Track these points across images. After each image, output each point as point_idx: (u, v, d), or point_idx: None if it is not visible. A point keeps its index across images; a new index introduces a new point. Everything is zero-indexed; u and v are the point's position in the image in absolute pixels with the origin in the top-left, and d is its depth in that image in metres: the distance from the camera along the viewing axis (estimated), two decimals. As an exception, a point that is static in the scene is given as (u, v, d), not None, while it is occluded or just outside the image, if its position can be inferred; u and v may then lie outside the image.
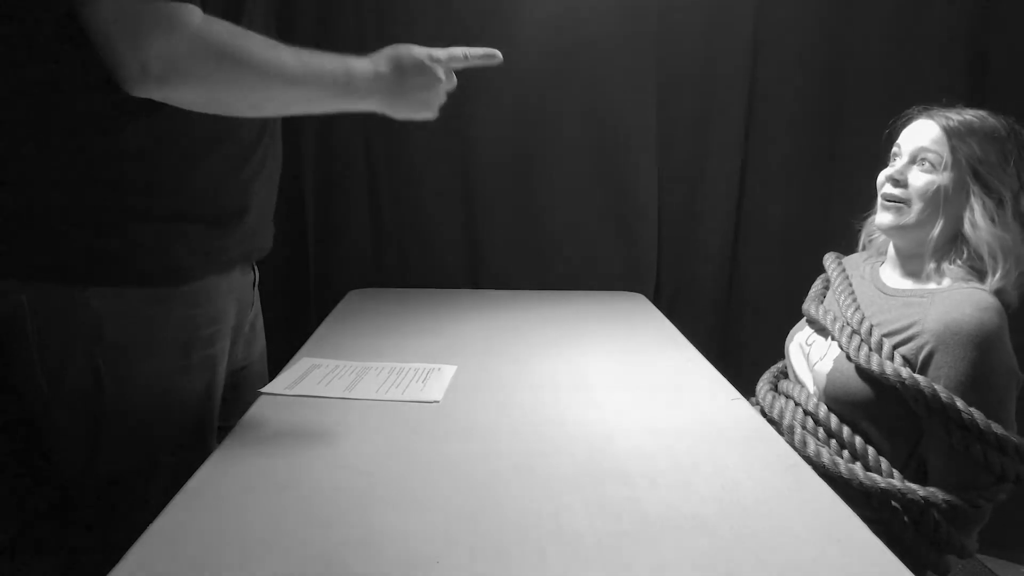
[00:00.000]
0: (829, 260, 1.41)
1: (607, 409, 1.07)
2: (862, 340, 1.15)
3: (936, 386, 1.05)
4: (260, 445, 0.92)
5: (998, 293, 1.10)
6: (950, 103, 1.19)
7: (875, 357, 1.10)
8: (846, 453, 1.13)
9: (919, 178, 1.16)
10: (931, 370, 1.07)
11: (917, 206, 1.15)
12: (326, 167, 1.85)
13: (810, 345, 1.30)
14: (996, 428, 1.04)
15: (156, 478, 0.94)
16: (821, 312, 1.29)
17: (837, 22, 1.80)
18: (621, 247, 1.92)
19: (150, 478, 0.95)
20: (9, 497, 1.09)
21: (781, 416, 1.22)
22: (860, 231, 1.36)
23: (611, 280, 1.92)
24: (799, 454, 1.01)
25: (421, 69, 0.97)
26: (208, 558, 0.67)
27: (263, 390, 1.09)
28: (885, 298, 1.21)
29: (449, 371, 1.21)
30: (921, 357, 1.09)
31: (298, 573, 0.66)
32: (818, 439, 1.16)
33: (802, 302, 1.39)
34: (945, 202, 1.14)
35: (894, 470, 1.11)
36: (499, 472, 0.86)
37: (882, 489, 1.07)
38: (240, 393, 1.13)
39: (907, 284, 1.21)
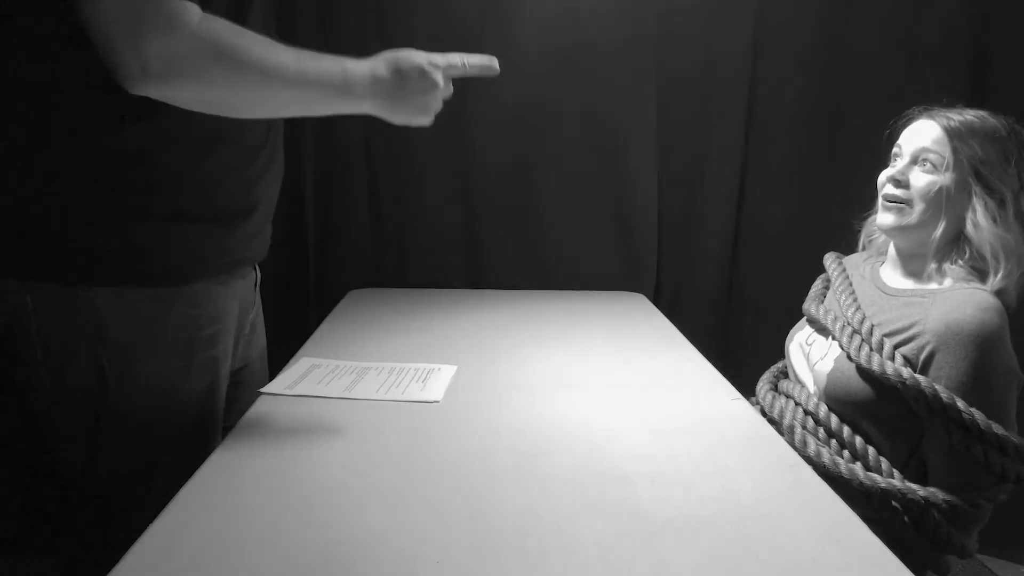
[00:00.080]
0: (829, 260, 1.41)
1: (607, 409, 1.07)
2: (863, 340, 1.15)
3: (937, 386, 1.05)
4: (260, 445, 0.92)
5: (999, 293, 1.10)
6: (950, 103, 1.19)
7: (876, 357, 1.10)
8: (846, 453, 1.13)
9: (921, 179, 1.16)
10: (932, 370, 1.07)
11: (919, 207, 1.15)
12: (326, 167, 1.85)
13: (810, 345, 1.30)
14: (997, 428, 1.04)
15: (157, 478, 0.94)
16: (822, 312, 1.29)
17: (837, 22, 1.80)
18: (621, 247, 1.92)
19: (151, 478, 0.94)
20: (10, 497, 1.09)
21: (781, 416, 1.22)
22: (860, 231, 1.36)
23: (611, 280, 1.92)
24: (799, 454, 1.01)
25: (420, 74, 0.97)
26: (208, 558, 0.67)
27: (263, 390, 1.09)
28: (886, 298, 1.21)
29: (449, 371, 1.21)
30: (922, 357, 1.09)
31: (298, 573, 0.66)
32: (818, 439, 1.16)
33: (802, 302, 1.39)
34: (947, 203, 1.14)
35: (894, 470, 1.11)
36: (499, 472, 0.86)
37: (882, 489, 1.07)
38: (240, 393, 1.13)
39: (908, 284, 1.21)
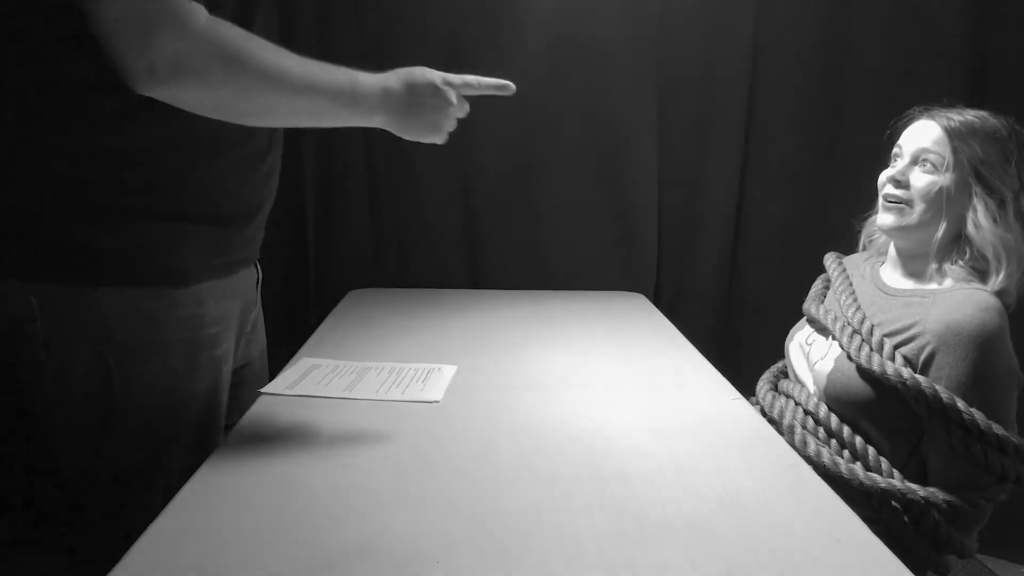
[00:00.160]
0: (829, 260, 1.41)
1: (607, 409, 1.07)
2: (863, 340, 1.15)
3: (937, 386, 1.05)
4: (260, 445, 0.92)
5: (1000, 294, 1.10)
6: (950, 103, 1.19)
7: (876, 357, 1.10)
8: (846, 453, 1.13)
9: (921, 179, 1.16)
10: (932, 370, 1.07)
11: (919, 207, 1.15)
12: (326, 167, 1.85)
13: (810, 345, 1.30)
14: (997, 428, 1.04)
15: (159, 478, 0.94)
16: (822, 312, 1.29)
17: (837, 22, 1.80)
18: (621, 248, 1.92)
19: (153, 478, 0.94)
20: (11, 497, 1.09)
21: (781, 416, 1.22)
22: (860, 231, 1.36)
23: (611, 280, 1.92)
24: (799, 454, 1.01)
25: (434, 91, 0.96)
26: (208, 558, 0.67)
27: (263, 390, 1.09)
28: (886, 298, 1.21)
29: (449, 371, 1.21)
30: (922, 357, 1.09)
31: (298, 573, 0.66)
32: (818, 439, 1.16)
33: (802, 302, 1.39)
34: (947, 203, 1.14)
35: (894, 470, 1.11)
36: (499, 472, 0.86)
37: (882, 489, 1.07)
38: (241, 391, 1.13)
39: (908, 284, 1.21)
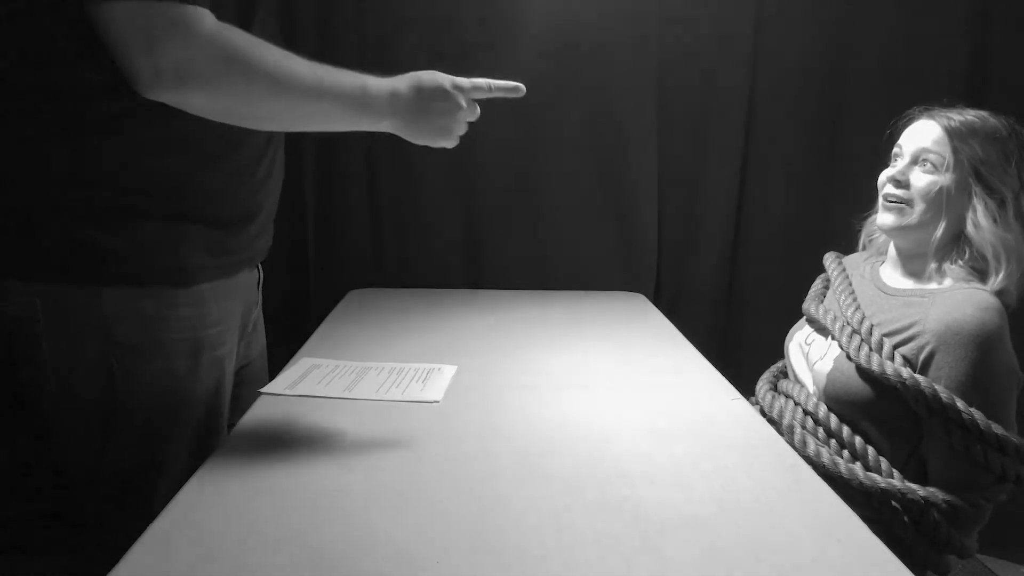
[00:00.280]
0: (829, 260, 1.41)
1: (607, 409, 1.07)
2: (862, 340, 1.15)
3: (936, 386, 1.05)
4: (260, 445, 0.92)
5: (999, 293, 1.10)
6: (951, 103, 1.19)
7: (875, 357, 1.10)
8: (846, 453, 1.13)
9: (921, 179, 1.16)
10: (932, 370, 1.07)
11: (919, 207, 1.15)
12: (326, 167, 1.84)
13: (809, 344, 1.30)
14: (996, 428, 1.04)
15: (161, 477, 0.94)
16: (821, 311, 1.29)
17: (837, 23, 1.80)
18: (621, 247, 1.92)
19: (155, 478, 0.95)
20: (11, 497, 1.09)
21: (781, 416, 1.22)
22: (860, 231, 1.36)
23: (611, 280, 1.92)
24: (799, 454, 1.01)
25: (443, 95, 0.96)
26: (208, 558, 0.67)
27: (263, 390, 1.09)
28: (885, 298, 1.21)
29: (449, 371, 1.21)
30: (922, 357, 1.09)
31: (298, 573, 0.66)
32: (818, 439, 1.16)
33: (802, 302, 1.39)
34: (947, 203, 1.14)
35: (894, 470, 1.11)
36: (499, 472, 0.86)
37: (882, 489, 1.07)
38: (242, 391, 1.13)
39: (908, 284, 1.21)
